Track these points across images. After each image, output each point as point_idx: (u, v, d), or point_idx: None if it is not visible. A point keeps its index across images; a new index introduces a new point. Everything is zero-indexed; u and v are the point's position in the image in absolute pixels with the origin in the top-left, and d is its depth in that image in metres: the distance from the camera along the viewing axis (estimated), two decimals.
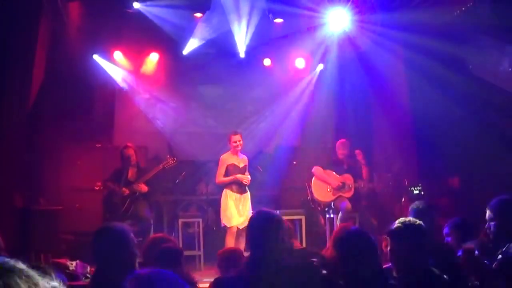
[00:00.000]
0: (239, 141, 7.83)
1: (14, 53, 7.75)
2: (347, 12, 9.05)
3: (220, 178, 7.91)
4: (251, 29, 9.93)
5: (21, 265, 1.31)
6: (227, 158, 7.92)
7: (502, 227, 3.74)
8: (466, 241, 4.21)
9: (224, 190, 7.90)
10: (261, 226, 3.29)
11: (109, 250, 3.15)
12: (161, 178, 8.46)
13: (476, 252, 3.79)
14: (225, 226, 7.78)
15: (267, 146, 10.79)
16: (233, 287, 3.14)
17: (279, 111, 11.14)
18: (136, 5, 9.00)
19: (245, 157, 8.10)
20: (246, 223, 7.42)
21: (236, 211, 7.73)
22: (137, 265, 3.25)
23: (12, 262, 1.31)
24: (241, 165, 7.94)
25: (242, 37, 10.19)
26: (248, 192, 7.96)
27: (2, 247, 3.95)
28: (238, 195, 7.83)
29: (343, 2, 9.05)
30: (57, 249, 7.61)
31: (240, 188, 7.86)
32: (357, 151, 8.37)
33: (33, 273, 1.31)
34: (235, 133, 7.96)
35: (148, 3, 9.05)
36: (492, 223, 3.80)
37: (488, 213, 3.84)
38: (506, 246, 3.61)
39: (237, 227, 7.66)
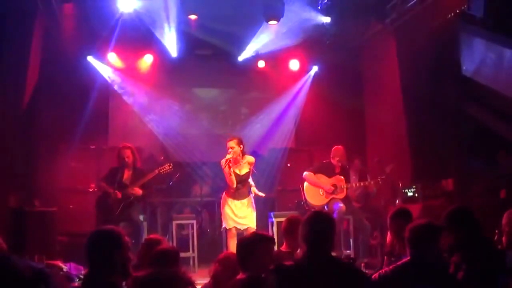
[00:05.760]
0: (232, 147, 7.11)
1: (9, 54, 7.72)
2: None
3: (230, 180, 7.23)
4: (251, 34, 9.99)
5: None
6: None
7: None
8: None
9: (223, 193, 7.48)
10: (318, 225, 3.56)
11: (102, 252, 3.16)
12: (156, 180, 8.43)
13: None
14: (225, 228, 7.39)
15: (262, 148, 10.79)
16: (292, 274, 3.37)
17: (274, 113, 11.17)
18: (130, 6, 9.04)
19: (249, 160, 7.36)
20: (248, 225, 7.19)
21: (233, 214, 7.25)
22: (130, 268, 3.26)
23: None
24: (242, 172, 7.28)
25: (244, 42, 10.27)
26: (249, 198, 7.37)
27: (4, 248, 3.93)
28: (234, 201, 7.29)
29: None
30: (52, 250, 7.57)
31: (237, 193, 7.30)
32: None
33: None
34: (230, 139, 7.27)
35: (141, 4, 9.09)
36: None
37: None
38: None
39: (237, 228, 7.22)
